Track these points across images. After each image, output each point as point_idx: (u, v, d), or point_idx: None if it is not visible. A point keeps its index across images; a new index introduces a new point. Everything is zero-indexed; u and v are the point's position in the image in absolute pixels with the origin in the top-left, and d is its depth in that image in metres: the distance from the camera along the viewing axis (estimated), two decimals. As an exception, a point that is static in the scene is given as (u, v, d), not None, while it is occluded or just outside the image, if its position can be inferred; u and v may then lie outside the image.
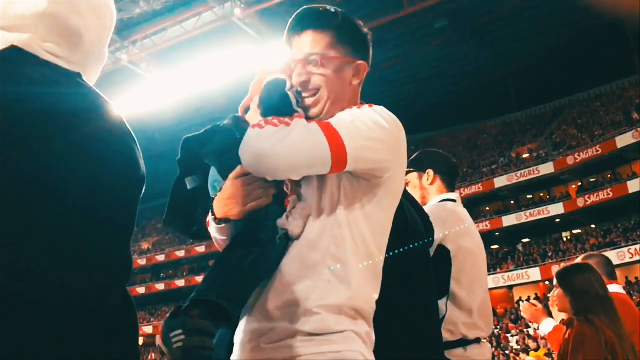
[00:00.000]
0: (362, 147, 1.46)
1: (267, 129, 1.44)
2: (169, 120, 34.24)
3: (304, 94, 1.64)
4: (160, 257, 44.09)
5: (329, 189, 1.54)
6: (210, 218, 1.61)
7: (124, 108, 29.13)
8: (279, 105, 1.60)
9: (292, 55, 1.68)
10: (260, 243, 1.51)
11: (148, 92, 30.71)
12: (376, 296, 1.55)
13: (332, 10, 1.69)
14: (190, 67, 28.55)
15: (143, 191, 1.12)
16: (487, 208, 35.69)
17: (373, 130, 1.49)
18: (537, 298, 29.57)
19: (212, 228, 1.62)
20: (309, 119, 1.55)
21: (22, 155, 0.91)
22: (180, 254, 42.87)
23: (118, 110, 1.14)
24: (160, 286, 43.15)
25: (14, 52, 1.00)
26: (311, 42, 1.64)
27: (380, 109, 1.57)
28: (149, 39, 29.19)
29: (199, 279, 40.38)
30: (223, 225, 1.58)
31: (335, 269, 1.47)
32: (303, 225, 1.52)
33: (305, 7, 1.69)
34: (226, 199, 1.55)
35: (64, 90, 1.04)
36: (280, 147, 1.41)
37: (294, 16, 1.70)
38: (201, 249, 40.09)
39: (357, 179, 1.53)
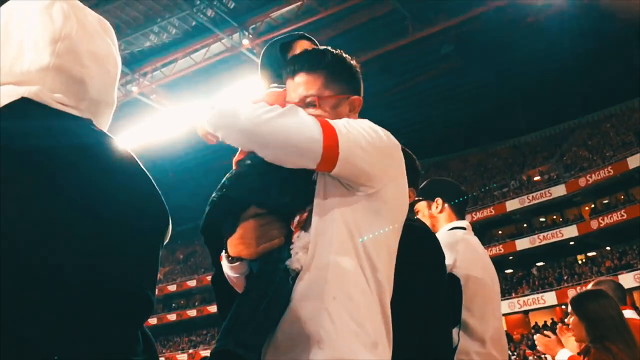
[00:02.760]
0: (354, 146, 1.48)
1: (261, 106, 1.48)
2: (179, 150, 34.53)
3: None
4: (172, 287, 43.94)
5: (329, 215, 1.53)
6: (223, 255, 1.62)
7: (135, 139, 29.46)
8: None
9: (287, 97, 1.71)
10: (274, 285, 1.52)
11: (159, 123, 31.04)
12: (384, 320, 1.53)
13: (321, 49, 1.73)
14: (200, 97, 28.87)
15: (167, 230, 1.15)
16: (500, 232, 35.39)
17: (370, 135, 1.51)
18: (553, 323, 29.07)
19: (225, 265, 1.63)
20: None
21: (37, 193, 0.94)
22: (192, 283, 42.72)
23: (129, 148, 1.17)
24: (172, 317, 42.93)
25: (25, 103, 1.03)
26: (305, 84, 1.66)
27: (379, 127, 1.60)
28: (159, 70, 29.64)
29: (211, 308, 40.35)
30: (236, 263, 1.59)
31: (339, 298, 1.45)
32: (303, 259, 1.52)
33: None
34: (239, 239, 1.56)
35: (76, 132, 1.07)
36: (276, 121, 1.45)
37: (288, 60, 1.75)
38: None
39: (356, 199, 1.52)
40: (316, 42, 2.02)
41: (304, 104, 1.65)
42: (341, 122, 1.53)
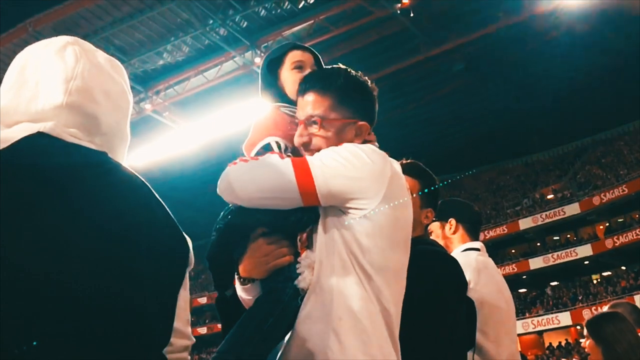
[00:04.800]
0: (332, 177, 1.50)
1: (238, 164, 1.57)
2: (191, 167, 34.71)
3: (305, 153, 1.68)
4: (183, 304, 43.83)
5: (330, 235, 1.54)
6: (236, 278, 1.64)
7: (147, 156, 29.68)
8: None
9: (297, 113, 1.73)
10: (282, 303, 1.53)
11: (171, 140, 31.28)
12: (392, 340, 1.51)
13: (337, 71, 1.73)
14: (212, 114, 29.10)
15: (189, 258, 1.22)
16: (513, 250, 35.05)
17: (351, 163, 1.52)
18: (568, 344, 28.59)
19: (238, 288, 1.65)
20: None
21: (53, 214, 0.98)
22: (203, 300, 42.63)
23: (142, 164, 1.21)
24: (182, 334, 42.79)
25: (41, 136, 1.09)
26: (313, 104, 1.67)
27: (366, 146, 1.59)
28: (171, 88, 29.92)
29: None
30: (248, 285, 1.61)
31: (345, 320, 1.45)
32: (309, 277, 1.53)
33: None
34: (249, 259, 1.59)
35: (91, 161, 1.12)
36: (247, 174, 1.53)
37: (303, 78, 1.76)
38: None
39: (354, 222, 1.53)
40: (310, 48, 1.95)
41: (308, 123, 1.67)
42: (318, 155, 1.56)
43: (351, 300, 1.47)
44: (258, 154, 1.70)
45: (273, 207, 1.56)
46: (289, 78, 1.87)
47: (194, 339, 1.30)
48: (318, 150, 1.65)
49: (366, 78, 1.75)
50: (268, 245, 1.58)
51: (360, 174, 1.52)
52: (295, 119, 1.76)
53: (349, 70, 1.74)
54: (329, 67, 1.78)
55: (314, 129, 1.66)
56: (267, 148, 1.71)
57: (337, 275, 1.49)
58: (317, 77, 1.73)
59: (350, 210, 1.53)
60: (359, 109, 1.69)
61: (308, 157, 1.56)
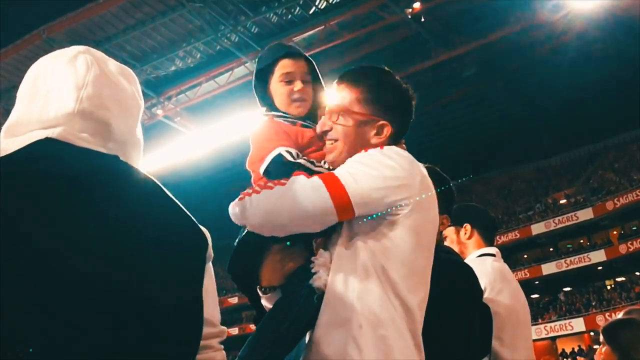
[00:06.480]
0: (366, 190, 1.49)
1: (263, 193, 1.52)
2: (203, 172, 34.84)
3: (325, 139, 1.72)
4: (193, 309, 43.74)
5: (352, 241, 1.54)
6: (258, 289, 1.67)
7: (159, 161, 29.82)
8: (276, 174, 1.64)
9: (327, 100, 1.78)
10: (297, 305, 1.53)
11: (183, 145, 31.42)
12: (416, 347, 1.50)
13: (374, 69, 1.76)
14: (224, 120, 29.21)
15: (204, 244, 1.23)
16: (525, 256, 34.77)
17: (379, 171, 1.52)
18: (581, 350, 28.28)
19: (263, 299, 1.68)
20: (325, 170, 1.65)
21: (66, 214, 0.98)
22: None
23: (154, 170, 1.22)
24: (193, 339, 42.71)
25: (49, 141, 1.10)
26: (341, 93, 1.70)
27: (389, 149, 1.59)
28: (183, 94, 30.08)
29: (232, 331, 40.13)
30: (269, 294, 1.63)
31: (365, 327, 1.44)
32: (325, 276, 1.52)
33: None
34: (266, 267, 1.62)
35: (101, 163, 1.13)
36: (282, 203, 1.48)
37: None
38: (234, 299, 39.83)
39: (375, 221, 1.53)
40: (302, 54, 1.90)
41: (332, 111, 1.70)
42: (346, 167, 1.55)
43: (372, 307, 1.46)
44: (270, 168, 1.68)
45: (306, 231, 1.55)
46: (278, 90, 1.83)
47: (225, 329, 1.33)
48: (335, 139, 1.68)
49: (408, 86, 1.76)
50: (283, 251, 1.60)
51: (390, 180, 1.52)
52: (292, 125, 1.77)
53: (390, 72, 1.76)
54: (370, 65, 1.79)
55: (336, 117, 1.68)
56: (278, 159, 1.67)
57: (359, 281, 1.49)
58: (354, 70, 1.77)
59: (379, 216, 1.53)
60: (386, 110, 1.69)
61: (335, 172, 1.55)
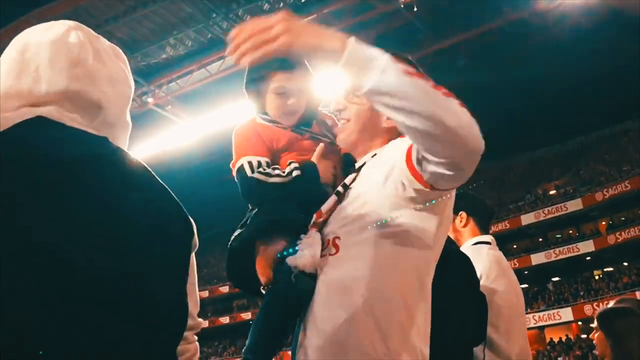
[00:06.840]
0: None
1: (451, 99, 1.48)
2: (194, 160, 34.76)
3: (339, 117, 1.75)
4: (184, 298, 43.87)
5: (365, 232, 1.51)
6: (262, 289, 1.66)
7: (149, 150, 29.70)
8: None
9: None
10: (283, 290, 1.53)
11: (173, 133, 31.30)
12: (423, 327, 1.51)
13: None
14: (215, 108, 29.09)
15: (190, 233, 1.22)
16: (515, 246, 35.03)
17: None
18: (569, 339, 28.62)
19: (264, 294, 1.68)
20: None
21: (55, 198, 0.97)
22: (204, 294, 42.63)
23: (144, 158, 1.21)
24: (184, 327, 42.86)
25: (40, 120, 1.07)
26: None
27: None
28: (174, 82, 29.90)
29: (223, 319, 40.31)
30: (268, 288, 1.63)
31: (369, 303, 1.43)
32: (307, 256, 1.50)
33: None
34: (258, 264, 1.62)
35: (91, 144, 1.11)
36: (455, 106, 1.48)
37: None
38: (225, 289, 39.94)
39: (419, 208, 1.51)
40: (297, 62, 1.76)
41: (347, 92, 1.72)
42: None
43: (406, 297, 1.47)
44: (237, 178, 1.70)
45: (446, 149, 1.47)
46: (272, 102, 1.77)
47: (201, 321, 1.33)
48: (347, 119, 1.70)
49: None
50: (270, 243, 1.61)
51: None
52: (276, 127, 1.74)
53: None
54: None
55: (350, 99, 1.71)
56: (240, 171, 1.67)
57: (357, 256, 1.49)
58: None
59: (415, 197, 1.51)
60: None
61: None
